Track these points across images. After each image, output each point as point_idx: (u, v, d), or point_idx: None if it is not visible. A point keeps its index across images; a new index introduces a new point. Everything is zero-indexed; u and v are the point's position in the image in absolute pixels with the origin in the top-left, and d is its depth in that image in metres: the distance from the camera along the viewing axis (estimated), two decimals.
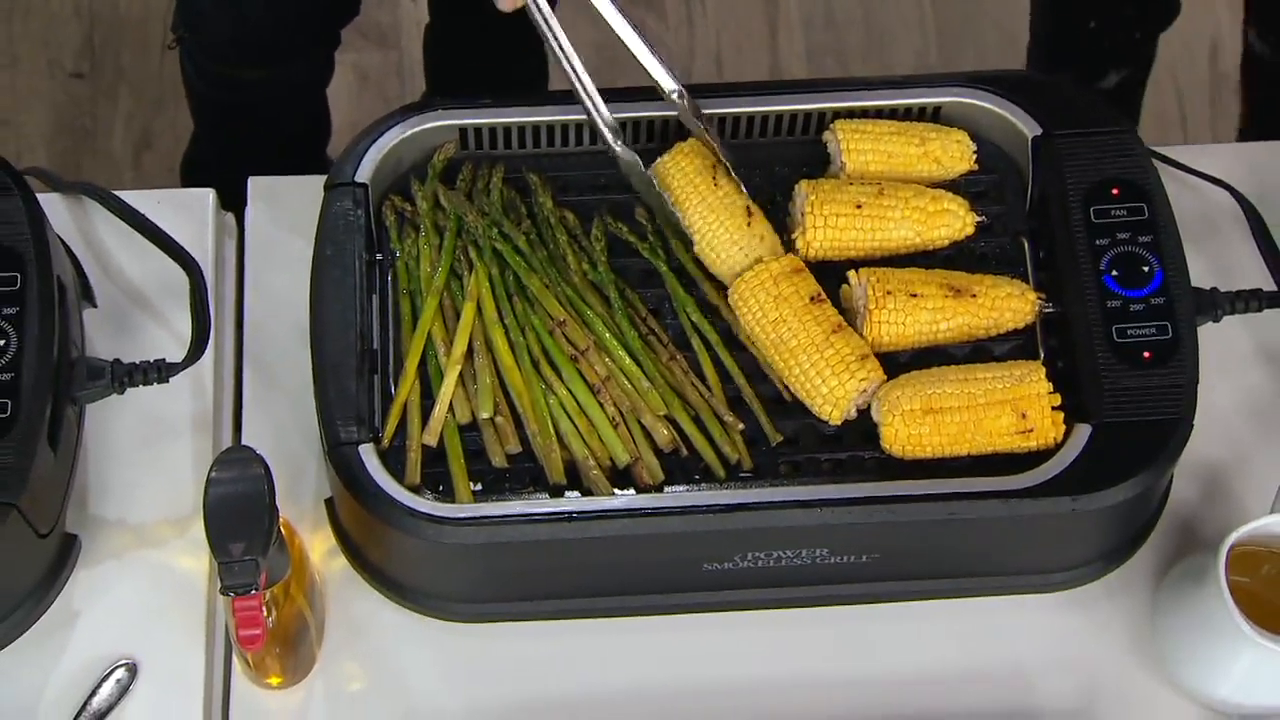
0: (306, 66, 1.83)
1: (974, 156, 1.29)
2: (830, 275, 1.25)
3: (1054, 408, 1.18)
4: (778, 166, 1.29)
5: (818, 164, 1.30)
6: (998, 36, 2.45)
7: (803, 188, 1.25)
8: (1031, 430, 1.18)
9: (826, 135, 1.29)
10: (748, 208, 1.24)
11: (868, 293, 1.21)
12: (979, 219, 1.26)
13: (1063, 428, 1.18)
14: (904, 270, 1.23)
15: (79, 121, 2.32)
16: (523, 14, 1.24)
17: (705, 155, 1.26)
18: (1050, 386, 1.19)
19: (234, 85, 1.79)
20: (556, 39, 1.25)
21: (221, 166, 1.43)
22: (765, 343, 1.22)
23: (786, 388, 1.22)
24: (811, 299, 1.21)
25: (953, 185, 1.29)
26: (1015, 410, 1.18)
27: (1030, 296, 1.23)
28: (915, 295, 1.21)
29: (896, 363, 1.23)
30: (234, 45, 1.74)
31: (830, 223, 1.24)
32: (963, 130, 1.29)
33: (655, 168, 1.26)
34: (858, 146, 1.27)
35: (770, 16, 2.48)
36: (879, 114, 1.29)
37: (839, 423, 1.20)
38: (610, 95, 1.27)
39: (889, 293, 1.21)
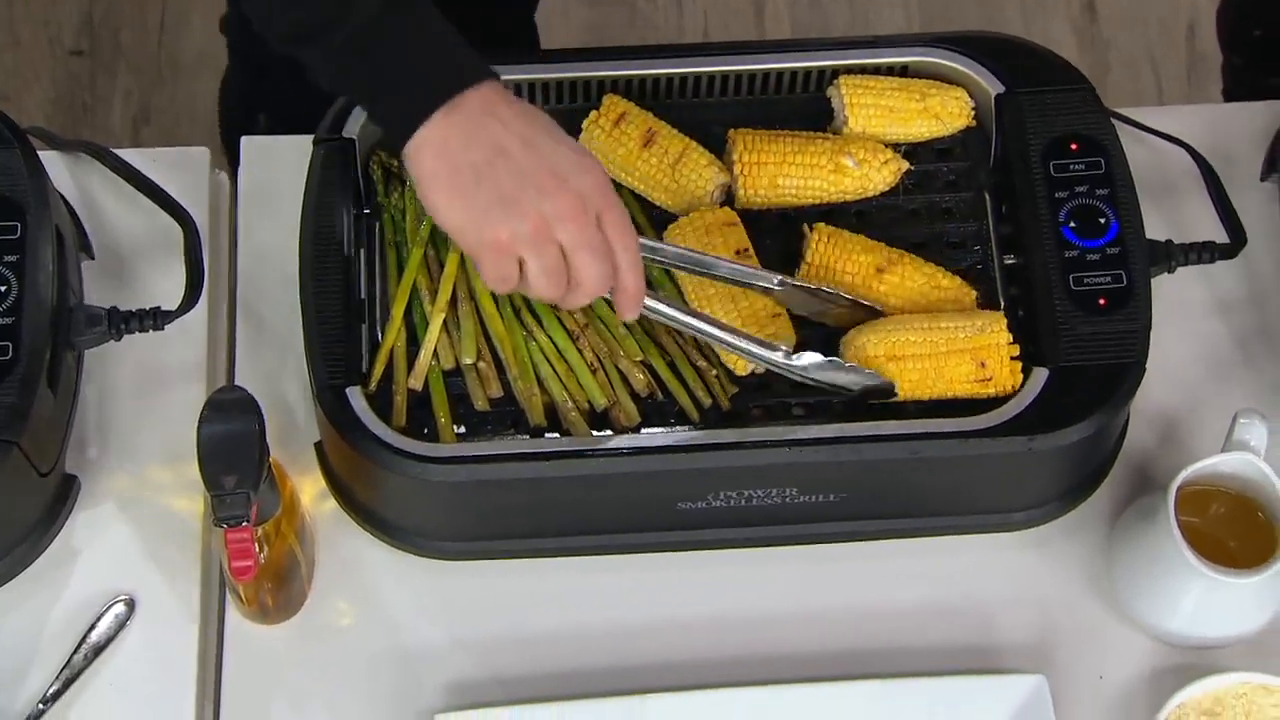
0: None
1: (973, 113, 1.33)
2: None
3: (1013, 357, 1.23)
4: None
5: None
6: (980, 14, 2.49)
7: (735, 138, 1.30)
8: (990, 379, 1.23)
9: (830, 91, 1.33)
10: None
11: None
12: (909, 168, 1.31)
13: (1020, 376, 1.23)
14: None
15: (79, 98, 2.36)
16: None
17: None
18: (1010, 337, 1.23)
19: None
20: (683, 322, 1.19)
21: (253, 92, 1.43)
22: (687, 286, 1.27)
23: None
24: (737, 252, 1.26)
25: (922, 143, 1.34)
26: (975, 359, 1.23)
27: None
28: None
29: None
30: None
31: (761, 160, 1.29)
32: (961, 88, 1.33)
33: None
34: (860, 101, 1.31)
35: None
36: (849, 73, 1.33)
37: (744, 373, 1.24)
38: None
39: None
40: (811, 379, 1.21)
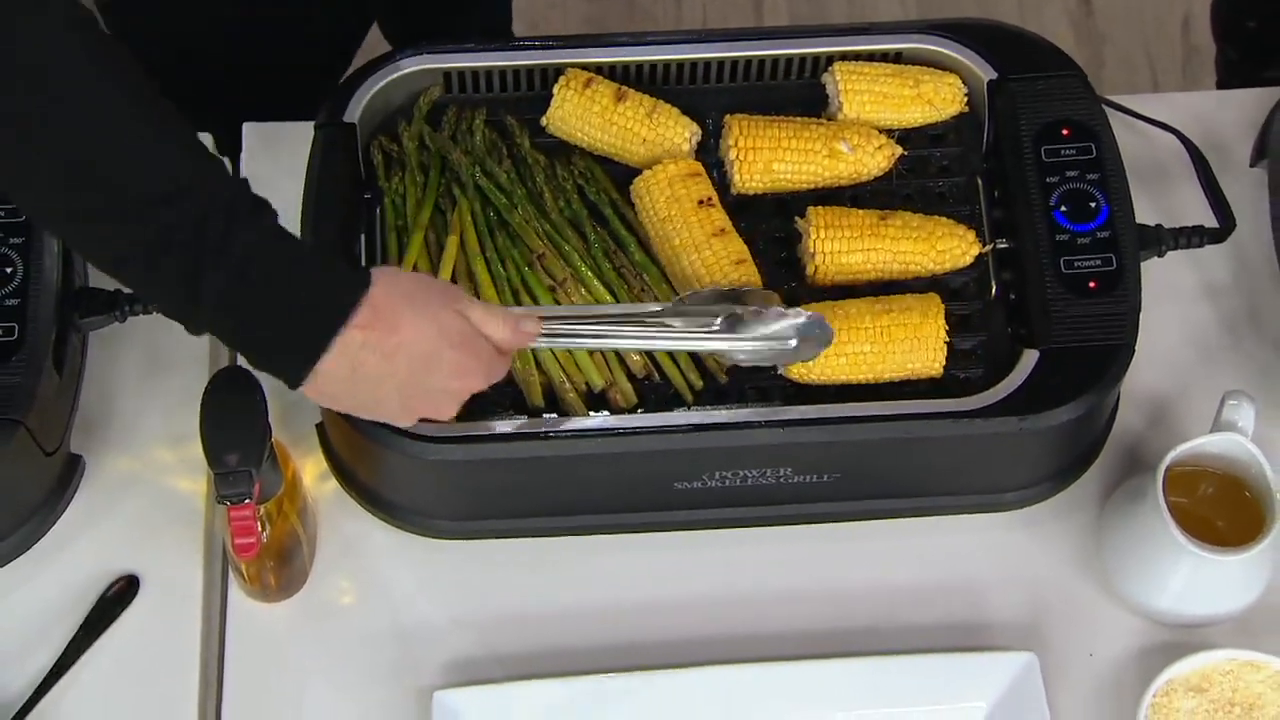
0: None
1: (965, 99, 1.35)
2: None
3: (946, 341, 1.25)
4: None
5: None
6: (977, 7, 2.51)
7: (731, 123, 1.31)
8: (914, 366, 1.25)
9: (825, 77, 1.35)
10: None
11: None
12: (903, 153, 1.33)
13: (943, 362, 1.25)
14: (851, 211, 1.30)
15: None
16: None
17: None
18: (944, 327, 1.24)
19: None
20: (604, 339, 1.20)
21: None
22: (654, 238, 1.29)
23: None
24: (700, 202, 1.27)
25: (916, 129, 1.35)
26: (910, 347, 1.24)
27: (970, 238, 1.29)
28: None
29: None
30: None
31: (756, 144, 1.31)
32: (954, 74, 1.35)
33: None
34: (855, 88, 1.33)
35: None
36: (843, 59, 1.35)
37: None
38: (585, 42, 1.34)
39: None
40: (744, 344, 1.19)
